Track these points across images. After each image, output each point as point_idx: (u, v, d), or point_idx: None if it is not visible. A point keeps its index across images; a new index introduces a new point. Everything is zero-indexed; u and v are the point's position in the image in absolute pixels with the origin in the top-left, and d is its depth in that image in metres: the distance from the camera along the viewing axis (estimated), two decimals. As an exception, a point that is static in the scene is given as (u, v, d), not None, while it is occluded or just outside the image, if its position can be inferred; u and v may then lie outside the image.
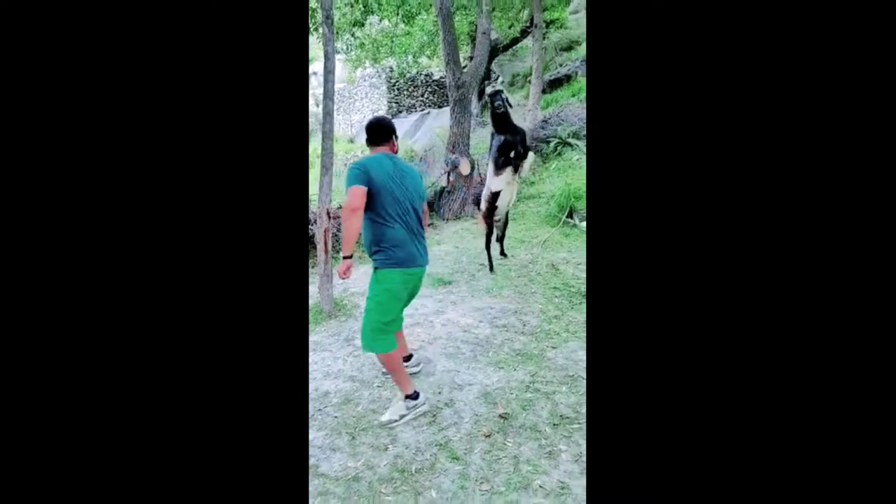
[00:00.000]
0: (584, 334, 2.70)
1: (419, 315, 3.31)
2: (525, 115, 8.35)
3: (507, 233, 4.61)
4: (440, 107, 12.25)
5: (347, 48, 9.40)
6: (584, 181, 5.31)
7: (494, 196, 3.76)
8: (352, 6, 7.68)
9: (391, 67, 12.06)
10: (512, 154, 3.57)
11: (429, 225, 5.90)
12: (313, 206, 5.44)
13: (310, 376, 2.57)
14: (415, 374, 2.45)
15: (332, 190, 3.41)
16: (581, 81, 9.96)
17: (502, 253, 4.27)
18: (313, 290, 3.93)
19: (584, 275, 3.75)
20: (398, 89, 12.97)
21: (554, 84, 10.47)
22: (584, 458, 1.76)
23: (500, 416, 2.06)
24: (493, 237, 4.09)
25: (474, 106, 9.49)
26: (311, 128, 15.23)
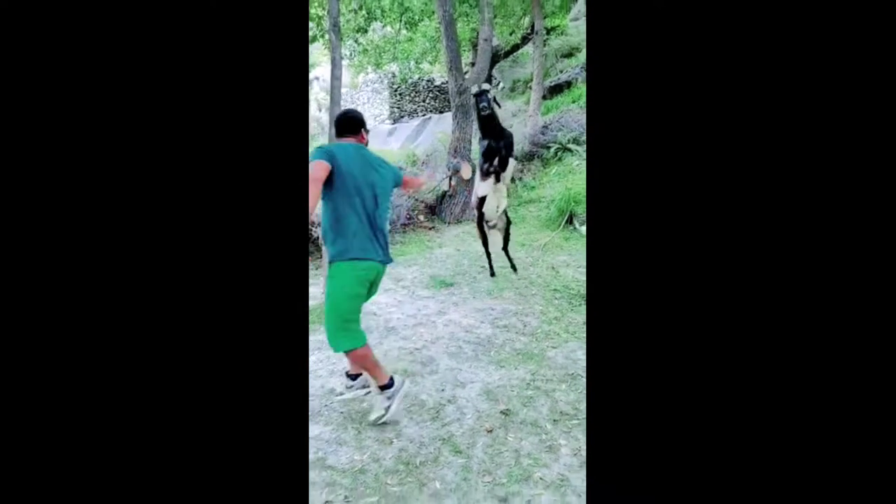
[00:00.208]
0: (584, 335, 2.76)
1: (422, 315, 3.37)
2: (526, 120, 8.45)
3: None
4: (441, 112, 12.36)
5: (351, 54, 9.52)
6: (584, 186, 5.39)
7: (481, 202, 3.59)
8: (355, 13, 7.80)
9: (393, 73, 12.18)
10: (495, 161, 3.34)
11: (430, 228, 5.96)
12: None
13: (316, 374, 2.63)
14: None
15: (337, 193, 3.48)
16: (581, 87, 10.08)
17: (513, 267, 3.73)
18: (318, 290, 4.00)
19: (583, 277, 3.82)
20: (400, 94, 13.09)
21: (554, 90, 10.59)
22: (584, 453, 1.82)
23: (502, 413, 2.13)
24: (490, 246, 3.71)
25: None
26: (312, 132, 15.34)
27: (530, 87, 9.07)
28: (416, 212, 6.28)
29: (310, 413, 2.24)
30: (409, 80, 12.06)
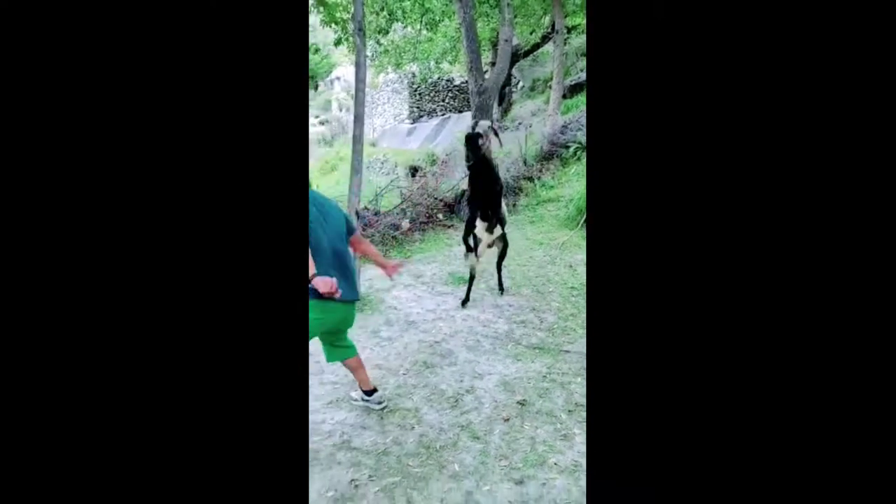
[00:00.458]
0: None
1: (441, 310, 3.47)
2: (546, 119, 8.47)
3: (527, 234, 4.74)
4: (461, 111, 12.44)
5: (372, 54, 9.68)
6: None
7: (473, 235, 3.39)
8: (377, 14, 7.94)
9: (413, 73, 12.31)
10: (493, 209, 3.23)
11: (449, 226, 6.01)
12: (343, 206, 5.66)
13: (339, 364, 2.75)
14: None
15: (361, 191, 3.60)
16: (602, 87, 10.00)
17: (500, 288, 3.69)
18: (340, 285, 4.13)
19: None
20: (420, 94, 13.21)
21: (574, 89, 10.56)
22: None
23: (518, 403, 2.21)
24: (482, 262, 3.56)
25: (495, 111, 9.65)
26: (333, 132, 15.61)
27: (550, 87, 9.08)
28: (435, 210, 6.38)
29: (335, 399, 2.36)
30: (429, 80, 12.17)
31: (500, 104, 10.57)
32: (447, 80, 13.06)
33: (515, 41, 10.00)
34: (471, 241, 3.50)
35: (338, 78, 17.75)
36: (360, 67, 3.45)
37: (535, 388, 2.32)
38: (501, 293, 3.70)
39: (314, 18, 5.51)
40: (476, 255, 3.46)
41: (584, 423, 2.01)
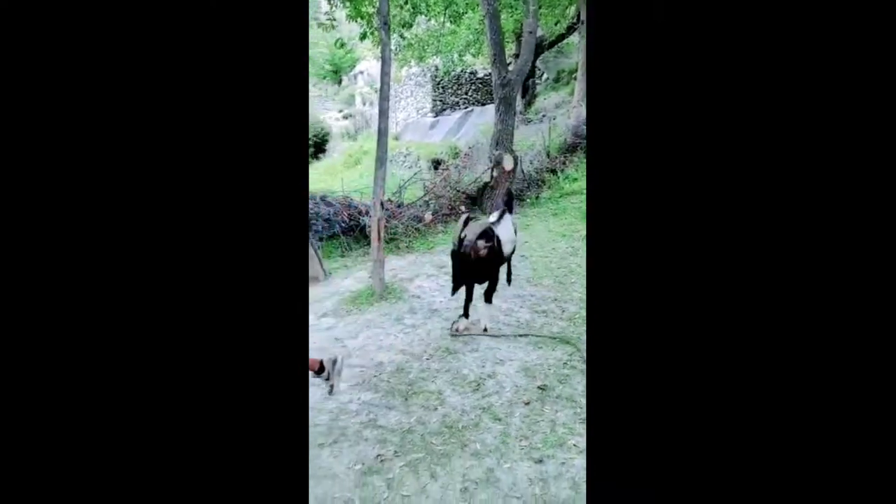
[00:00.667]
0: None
1: (463, 299, 3.53)
2: (570, 111, 8.39)
3: (550, 226, 4.74)
4: (483, 104, 12.40)
5: (396, 48, 9.75)
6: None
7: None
8: (401, 7, 7.99)
9: (436, 66, 12.33)
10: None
11: (473, 218, 6.09)
12: (367, 199, 5.78)
13: (366, 349, 2.86)
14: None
15: (385, 182, 3.69)
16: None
17: (486, 299, 3.05)
18: (365, 273, 4.25)
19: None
20: (443, 87, 13.23)
21: (599, 80, 10.35)
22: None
23: (539, 388, 2.26)
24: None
25: (518, 103, 9.60)
26: (357, 127, 15.79)
27: (575, 78, 8.97)
28: (457, 202, 6.44)
29: (361, 382, 2.46)
30: (452, 73, 12.17)
31: (523, 96, 10.50)
32: (470, 73, 13.02)
33: (540, 32, 9.90)
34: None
35: (361, 72, 17.90)
36: (385, 61, 3.53)
37: (555, 375, 2.37)
38: (508, 284, 3.48)
39: (340, 13, 5.61)
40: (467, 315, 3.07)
41: (604, 408, 2.05)
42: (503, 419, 2.04)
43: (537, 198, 6.72)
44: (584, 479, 1.65)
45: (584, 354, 2.56)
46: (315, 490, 1.68)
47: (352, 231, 5.60)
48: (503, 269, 3.23)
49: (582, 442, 1.84)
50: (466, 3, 8.54)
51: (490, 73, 6.99)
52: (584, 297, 3.38)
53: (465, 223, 2.92)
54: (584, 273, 3.87)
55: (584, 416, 2.02)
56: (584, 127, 7.61)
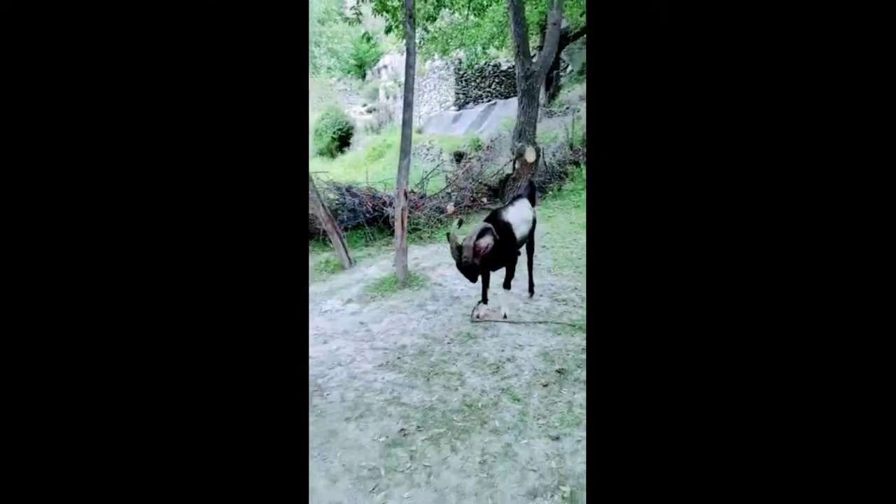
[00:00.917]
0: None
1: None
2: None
3: (572, 218, 4.74)
4: (507, 97, 12.35)
5: (419, 42, 9.80)
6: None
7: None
8: (425, 1, 8.04)
9: (460, 59, 12.33)
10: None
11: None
12: (390, 190, 5.89)
13: (390, 333, 2.96)
14: None
15: (409, 173, 3.78)
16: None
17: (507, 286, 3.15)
18: (388, 262, 4.36)
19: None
20: (466, 80, 13.23)
21: (625, 72, 10.18)
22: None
23: (557, 371, 2.32)
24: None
25: (542, 96, 9.54)
26: (381, 120, 15.94)
27: (599, 70, 8.82)
28: (479, 194, 6.49)
29: (385, 363, 2.56)
30: (476, 66, 12.15)
31: (547, 89, 10.43)
32: (494, 66, 12.97)
33: (564, 24, 9.80)
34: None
35: (385, 66, 18.03)
36: (409, 54, 3.60)
37: (574, 359, 2.42)
38: (531, 295, 3.38)
39: (366, 8, 5.72)
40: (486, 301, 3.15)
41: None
42: (522, 399, 2.10)
43: (560, 189, 6.71)
44: (600, 455, 1.71)
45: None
46: (343, 459, 1.79)
47: (376, 221, 5.72)
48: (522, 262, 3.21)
49: (598, 422, 1.89)
50: (491, -5, 8.52)
51: (514, 66, 6.98)
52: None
53: (456, 236, 2.82)
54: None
55: (601, 398, 2.07)
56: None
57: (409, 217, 4.39)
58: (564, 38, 10.41)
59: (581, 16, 10.43)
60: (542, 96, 9.97)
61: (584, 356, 2.45)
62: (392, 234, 4.76)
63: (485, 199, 6.30)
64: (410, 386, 2.30)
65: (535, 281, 3.49)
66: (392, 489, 1.62)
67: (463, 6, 8.58)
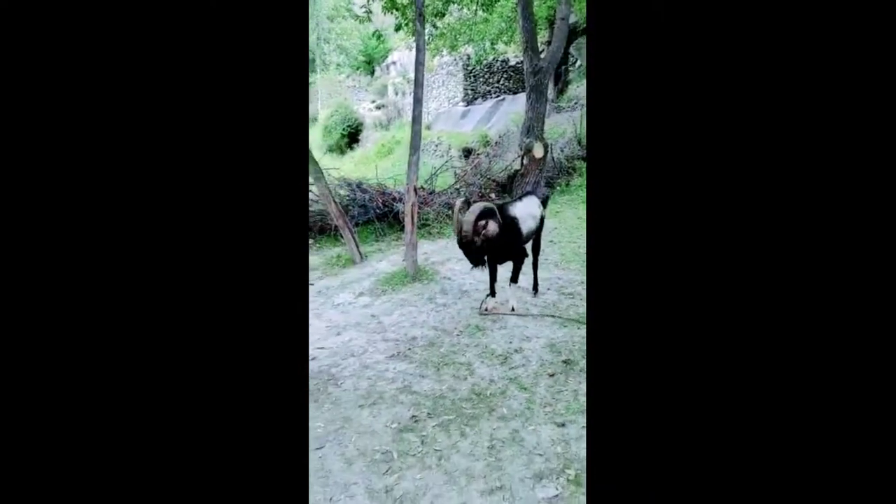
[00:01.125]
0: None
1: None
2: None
3: (579, 213, 4.77)
4: (515, 93, 12.34)
5: (428, 38, 9.84)
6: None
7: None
8: (434, -2, 8.08)
9: (468, 55, 12.34)
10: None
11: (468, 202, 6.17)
12: (400, 186, 5.96)
13: (400, 325, 3.04)
14: None
15: (419, 168, 3.84)
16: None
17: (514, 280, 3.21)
18: (398, 257, 4.44)
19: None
20: (474, 76, 13.23)
21: (635, 66, 10.12)
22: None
23: (563, 362, 2.38)
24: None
25: (550, 91, 9.54)
26: (390, 116, 16.01)
27: (608, 64, 8.79)
28: (487, 190, 6.54)
29: (396, 353, 2.64)
30: (484, 62, 12.16)
31: (555, 84, 10.41)
32: (502, 61, 12.96)
33: (573, 18, 9.77)
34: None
35: (394, 62, 18.08)
36: (419, 51, 3.66)
37: (580, 351, 2.48)
38: (535, 293, 3.42)
39: (376, 6, 5.77)
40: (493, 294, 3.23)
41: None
42: (529, 388, 2.17)
43: (567, 185, 6.74)
44: (604, 441, 1.78)
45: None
46: (357, 443, 1.87)
47: (386, 217, 5.80)
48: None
49: (603, 410, 1.96)
50: (499, -9, 8.52)
51: (522, 62, 7.00)
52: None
53: (462, 210, 2.85)
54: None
55: (606, 387, 2.13)
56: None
57: (418, 212, 4.46)
58: (573, 33, 10.38)
59: (590, 10, 10.36)
60: (550, 92, 9.95)
61: (590, 348, 2.51)
62: (402, 229, 4.84)
63: (493, 195, 6.35)
64: (421, 375, 2.38)
65: (542, 275, 3.55)
66: (404, 471, 1.70)
67: (471, 2, 8.60)
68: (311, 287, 3.99)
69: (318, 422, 2.02)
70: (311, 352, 2.71)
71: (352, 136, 15.83)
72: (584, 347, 2.51)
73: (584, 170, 6.82)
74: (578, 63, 12.39)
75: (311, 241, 5.41)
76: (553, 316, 2.96)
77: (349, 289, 3.88)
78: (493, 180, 6.77)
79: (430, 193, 6.22)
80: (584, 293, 3.29)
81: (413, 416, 2.03)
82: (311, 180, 4.42)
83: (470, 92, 13.26)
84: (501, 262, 3.12)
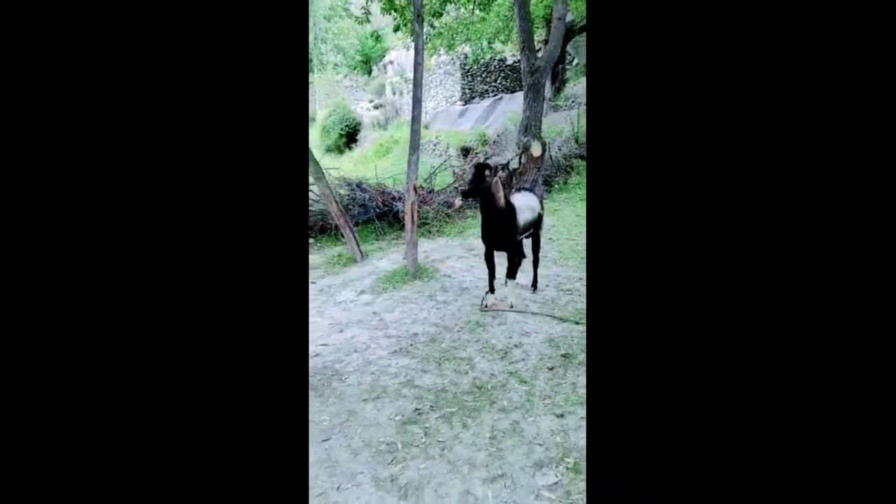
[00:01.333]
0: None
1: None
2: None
3: (577, 210, 4.83)
4: (513, 92, 12.40)
5: (425, 37, 9.88)
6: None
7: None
8: (431, -3, 8.12)
9: (465, 54, 12.38)
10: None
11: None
12: (399, 185, 6.01)
13: (402, 322, 3.10)
14: None
15: (418, 167, 3.89)
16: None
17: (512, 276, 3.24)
18: (399, 256, 4.49)
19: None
20: (472, 75, 13.28)
21: (631, 64, 10.17)
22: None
23: (562, 356, 2.44)
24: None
25: (547, 90, 9.59)
26: (388, 116, 16.04)
27: (605, 63, 8.84)
28: (486, 189, 6.59)
29: (399, 349, 2.70)
30: (481, 61, 12.21)
31: (553, 83, 10.47)
32: (499, 61, 13.01)
33: (570, 17, 9.82)
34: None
35: (391, 62, 18.12)
36: (417, 51, 3.71)
37: (578, 345, 2.54)
38: (534, 290, 3.48)
39: (374, 6, 5.81)
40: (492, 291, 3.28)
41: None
42: (528, 381, 2.23)
43: (565, 183, 6.80)
44: (601, 430, 1.83)
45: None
46: (362, 435, 1.92)
47: (386, 216, 5.85)
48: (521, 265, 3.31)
49: (601, 401, 2.01)
50: (496, -10, 8.56)
51: (519, 61, 7.05)
52: (609, 276, 3.51)
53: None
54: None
55: (604, 380, 2.18)
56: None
57: (418, 211, 4.52)
58: (570, 32, 10.42)
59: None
60: (547, 90, 10.01)
61: (588, 342, 2.56)
62: (402, 228, 4.89)
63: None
64: (423, 370, 2.43)
65: (542, 272, 3.60)
66: (408, 461, 1.75)
67: (468, 1, 8.64)
68: (313, 285, 4.04)
69: (324, 415, 2.08)
70: (315, 348, 2.77)
71: (350, 136, 15.86)
72: (583, 342, 2.57)
73: (581, 168, 6.88)
74: (575, 62, 12.44)
75: (312, 240, 5.46)
76: (552, 312, 3.02)
77: (351, 287, 3.94)
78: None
79: (430, 192, 6.27)
80: (582, 290, 3.35)
81: (416, 409, 2.08)
82: (311, 180, 4.47)
83: (467, 91, 13.31)
84: (498, 249, 3.17)
